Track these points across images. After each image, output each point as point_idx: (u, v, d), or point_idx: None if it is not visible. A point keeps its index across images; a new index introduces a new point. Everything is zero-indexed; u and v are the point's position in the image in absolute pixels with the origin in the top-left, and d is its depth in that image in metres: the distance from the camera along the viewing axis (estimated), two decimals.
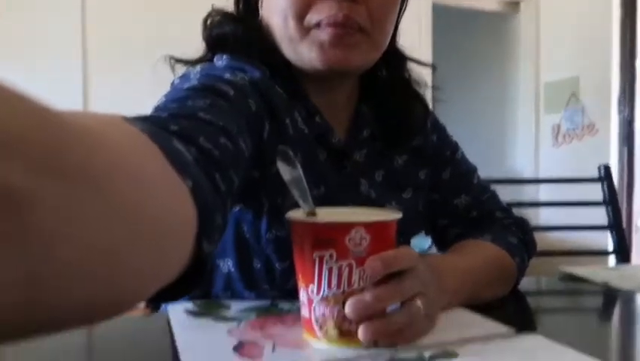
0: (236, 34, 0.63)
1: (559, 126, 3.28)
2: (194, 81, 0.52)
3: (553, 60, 3.33)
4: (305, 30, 0.57)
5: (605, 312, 0.67)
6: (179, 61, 0.66)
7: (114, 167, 0.21)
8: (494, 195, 0.78)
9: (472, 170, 0.78)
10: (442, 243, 0.77)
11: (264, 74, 0.59)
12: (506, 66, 3.66)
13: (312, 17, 0.56)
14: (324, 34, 0.56)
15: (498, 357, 0.43)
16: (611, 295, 0.70)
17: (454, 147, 0.78)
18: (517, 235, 0.71)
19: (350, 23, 0.56)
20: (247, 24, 0.64)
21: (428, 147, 0.74)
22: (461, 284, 0.57)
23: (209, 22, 0.66)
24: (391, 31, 0.64)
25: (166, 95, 0.50)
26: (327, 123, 0.65)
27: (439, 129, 0.77)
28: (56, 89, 2.52)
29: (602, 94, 2.98)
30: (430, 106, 0.78)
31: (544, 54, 3.41)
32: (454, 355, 0.44)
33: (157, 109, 0.46)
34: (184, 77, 0.57)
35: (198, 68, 0.60)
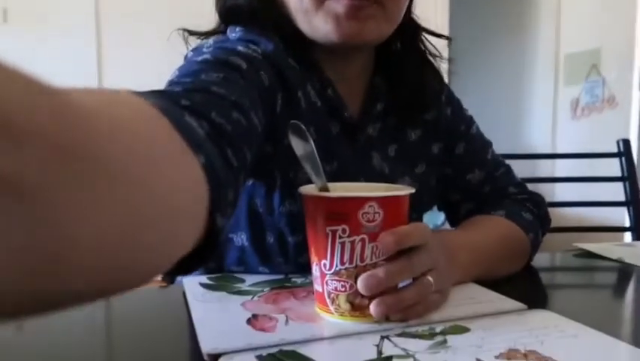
0: (250, 6, 0.62)
1: (578, 99, 3.21)
2: (207, 55, 0.52)
3: (575, 31, 3.24)
4: (320, 1, 0.56)
5: (619, 288, 0.67)
6: (192, 33, 0.66)
7: (126, 151, 0.21)
8: (509, 171, 0.77)
9: (486, 145, 0.77)
10: (455, 218, 0.77)
11: (277, 46, 0.59)
12: (525, 37, 3.57)
13: None
14: (340, 6, 0.55)
15: (509, 332, 0.44)
16: (625, 272, 0.70)
17: (469, 122, 0.76)
18: (532, 211, 0.71)
19: None
20: None
21: (442, 121, 0.73)
22: (473, 260, 0.57)
23: None
24: (407, 3, 0.63)
25: (179, 69, 0.51)
26: (340, 97, 0.64)
27: (454, 103, 0.76)
28: (70, 57, 2.52)
29: (624, 66, 2.90)
30: (446, 78, 0.76)
31: (565, 24, 3.31)
32: (466, 330, 0.44)
33: (171, 83, 0.46)
34: (197, 50, 0.57)
35: (211, 40, 0.59)
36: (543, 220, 0.72)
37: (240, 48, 0.55)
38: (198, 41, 0.64)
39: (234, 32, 0.61)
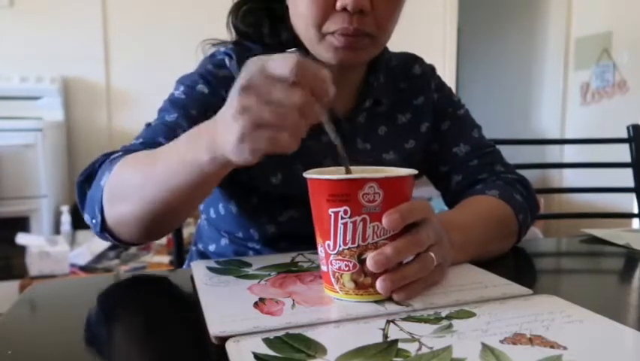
0: (257, 32, 0.72)
1: (588, 84, 3.17)
2: (180, 89, 0.69)
3: (586, 14, 3.18)
4: (322, 35, 0.65)
5: (626, 274, 0.66)
6: (210, 42, 0.75)
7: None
8: (497, 151, 0.81)
9: (474, 125, 0.82)
10: (447, 191, 0.81)
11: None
12: (535, 20, 3.52)
13: (328, 27, 0.64)
14: (338, 42, 0.64)
15: (514, 317, 0.44)
16: (632, 258, 0.70)
17: (457, 105, 0.82)
18: (521, 193, 0.73)
19: (359, 33, 0.64)
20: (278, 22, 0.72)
21: (430, 104, 0.80)
22: (467, 240, 0.59)
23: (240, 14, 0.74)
24: (395, 26, 0.70)
25: (166, 101, 0.69)
26: None
27: (443, 89, 0.82)
28: (76, 40, 2.52)
29: (636, 50, 2.85)
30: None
31: (576, 7, 3.26)
32: (472, 315, 0.45)
33: (160, 110, 0.69)
34: (185, 77, 0.71)
35: (201, 61, 0.73)
36: (532, 204, 0.74)
37: (210, 67, 0.70)
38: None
39: (222, 55, 0.72)
